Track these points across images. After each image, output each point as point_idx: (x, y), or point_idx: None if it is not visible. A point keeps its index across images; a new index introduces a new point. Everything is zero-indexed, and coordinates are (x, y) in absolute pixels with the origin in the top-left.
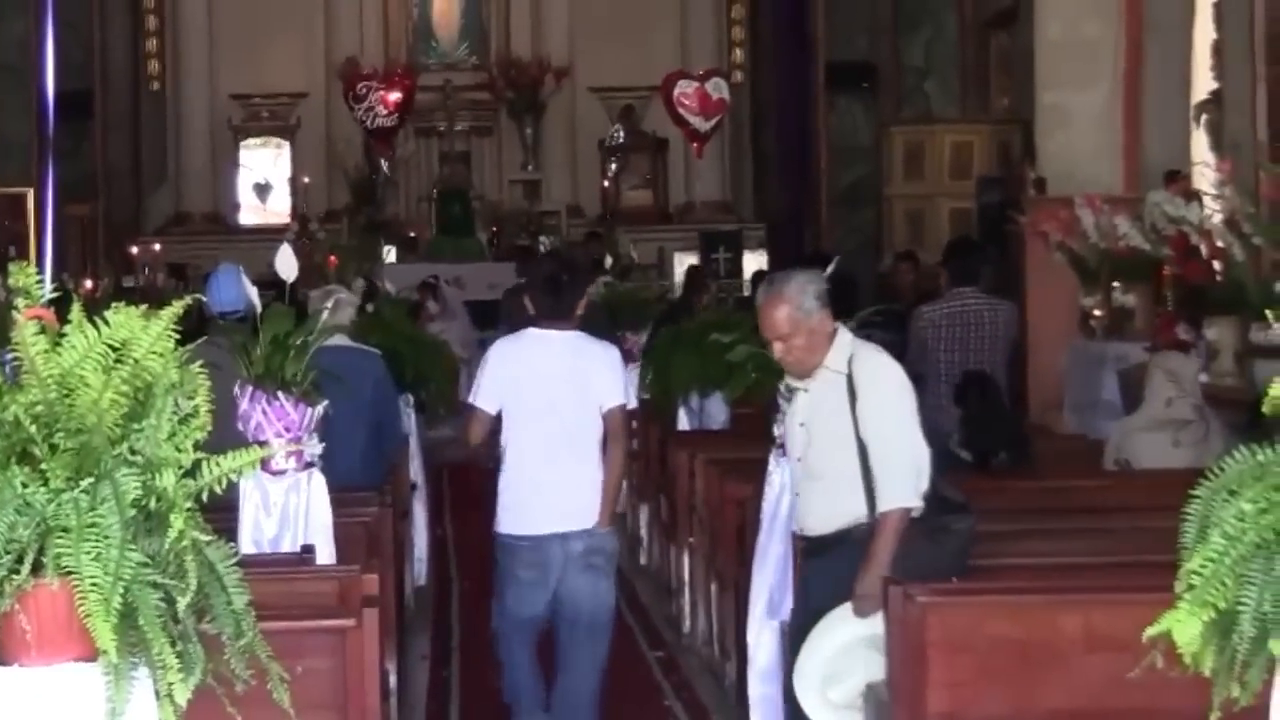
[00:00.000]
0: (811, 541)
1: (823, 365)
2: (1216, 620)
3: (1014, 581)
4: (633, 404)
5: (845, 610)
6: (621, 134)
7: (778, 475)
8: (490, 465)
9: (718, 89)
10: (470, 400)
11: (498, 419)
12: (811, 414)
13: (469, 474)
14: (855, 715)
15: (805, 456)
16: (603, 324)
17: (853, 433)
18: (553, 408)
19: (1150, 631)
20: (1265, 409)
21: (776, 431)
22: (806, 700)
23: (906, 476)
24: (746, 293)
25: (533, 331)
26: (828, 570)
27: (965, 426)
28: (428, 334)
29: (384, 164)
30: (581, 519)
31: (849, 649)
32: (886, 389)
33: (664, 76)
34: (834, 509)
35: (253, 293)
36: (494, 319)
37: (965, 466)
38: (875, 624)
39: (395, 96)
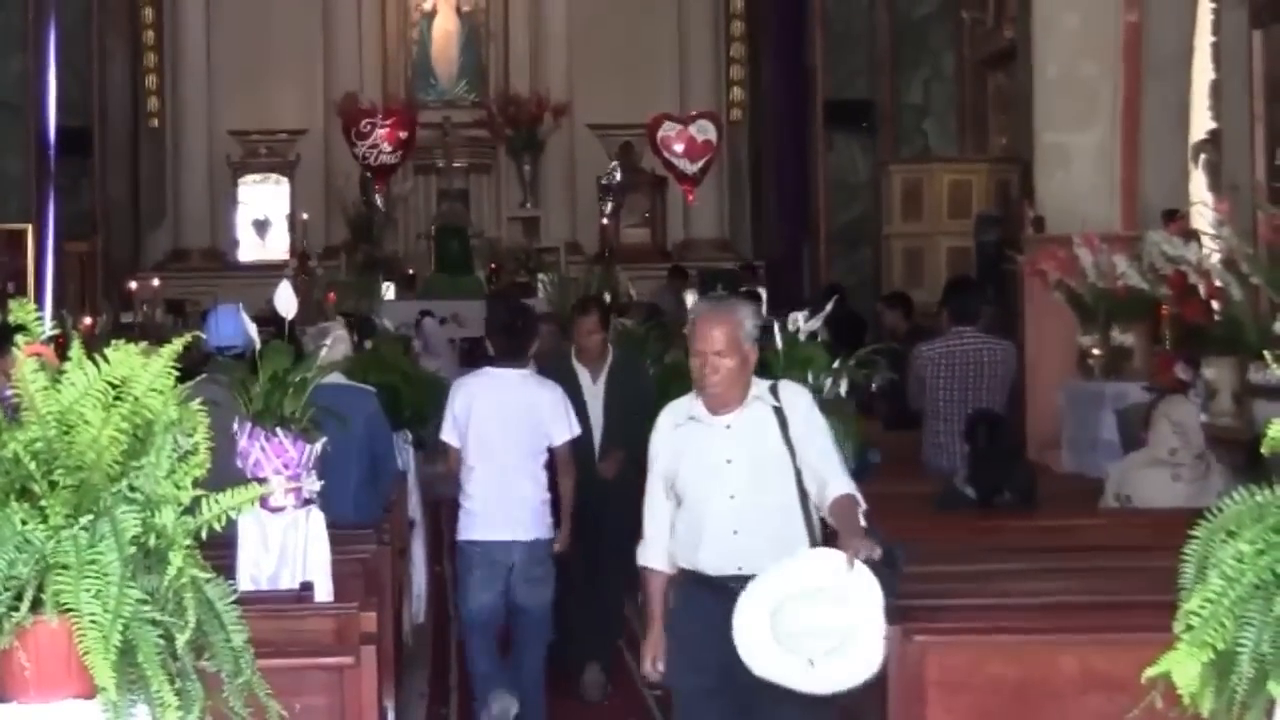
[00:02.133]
0: (743, 581)
1: (752, 396)
2: (1215, 661)
3: (1013, 621)
4: (576, 432)
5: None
6: (618, 172)
7: None
8: None
9: (703, 131)
10: (441, 436)
11: None
12: (741, 448)
13: None
14: (792, 656)
15: (739, 494)
16: (635, 369)
17: (790, 461)
18: (505, 437)
19: (1149, 672)
20: (1264, 449)
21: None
22: (751, 633)
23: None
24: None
25: (490, 370)
26: None
27: (972, 464)
28: (425, 370)
29: (378, 200)
30: (524, 532)
31: (805, 595)
32: (815, 410)
33: (650, 119)
34: (780, 544)
35: (251, 329)
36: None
37: (969, 504)
38: (827, 575)
39: (402, 134)
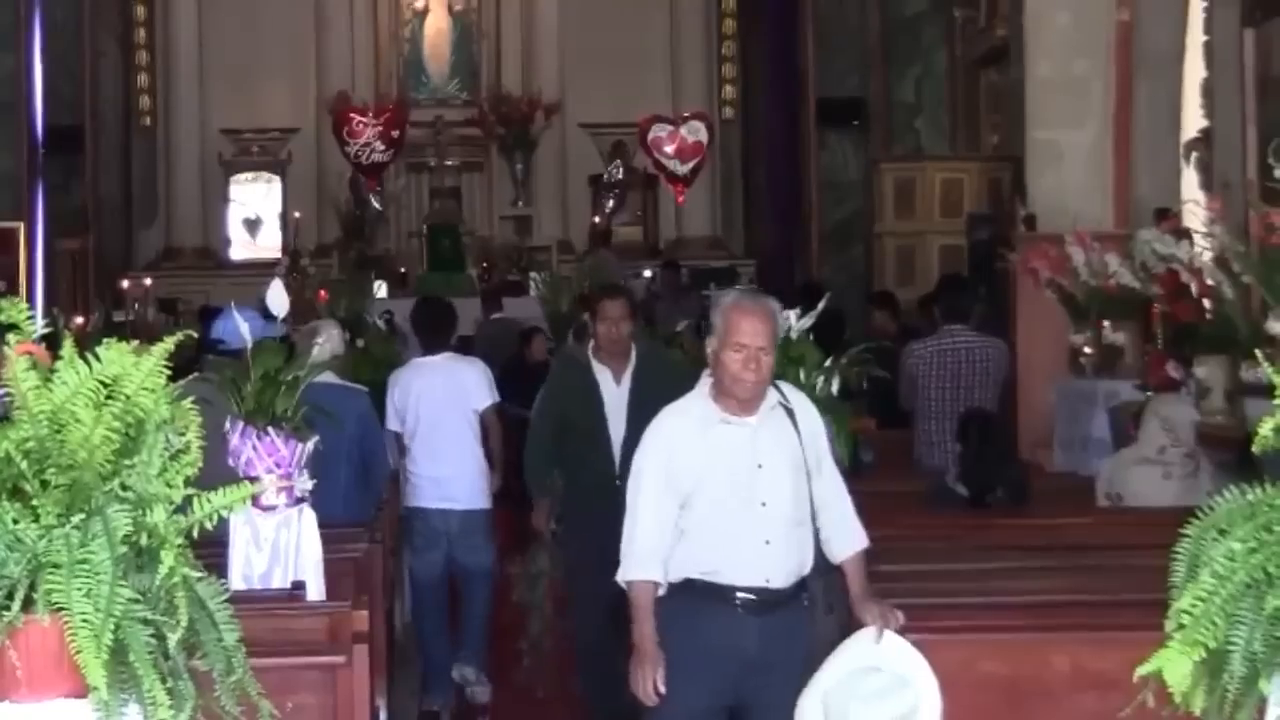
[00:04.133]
0: (771, 596)
1: (768, 396)
2: (1207, 659)
3: (1005, 619)
4: (496, 399)
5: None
6: (620, 170)
7: None
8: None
9: (694, 132)
10: (385, 425)
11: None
12: (770, 452)
13: None
14: None
15: (771, 502)
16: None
17: (804, 468)
18: (435, 414)
19: (1141, 670)
20: (1255, 448)
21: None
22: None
23: None
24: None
25: (417, 360)
26: (782, 630)
27: (964, 463)
28: None
29: (373, 199)
30: (458, 503)
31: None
32: (819, 419)
33: (641, 119)
34: (802, 556)
35: (244, 328)
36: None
37: (960, 502)
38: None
39: (394, 132)
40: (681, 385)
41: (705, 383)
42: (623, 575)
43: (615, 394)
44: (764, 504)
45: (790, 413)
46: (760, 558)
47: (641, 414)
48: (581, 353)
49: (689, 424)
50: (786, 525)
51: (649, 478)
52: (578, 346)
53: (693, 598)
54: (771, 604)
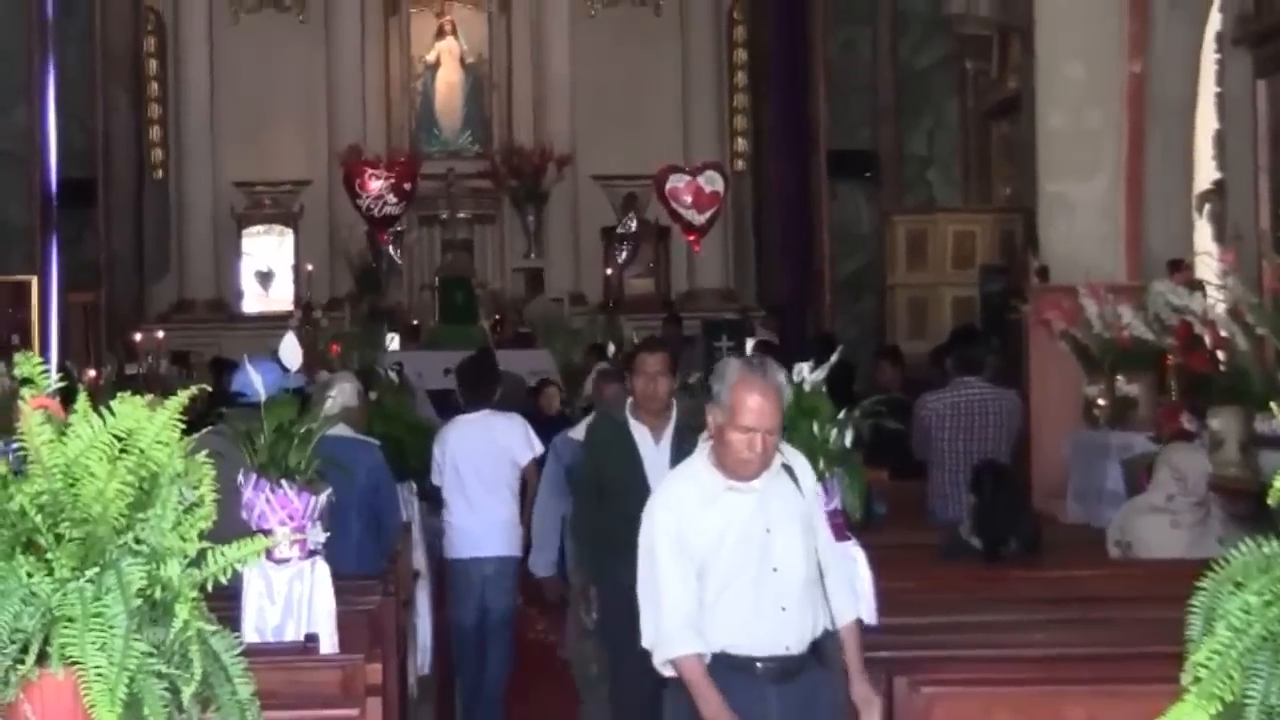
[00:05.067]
0: (788, 663)
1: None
2: (1223, 713)
3: (1019, 672)
4: (539, 451)
5: None
6: (634, 222)
7: None
8: None
9: (711, 182)
10: (431, 479)
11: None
12: (776, 515)
13: None
14: None
15: (782, 567)
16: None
17: (811, 526)
18: (472, 469)
19: None
20: (1270, 500)
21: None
22: None
23: None
24: None
25: (458, 418)
26: (800, 697)
27: (978, 514)
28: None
29: (394, 252)
30: (493, 549)
31: None
32: (814, 478)
33: (657, 169)
34: (816, 616)
35: (257, 381)
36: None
37: (974, 554)
38: None
39: (405, 185)
40: None
41: (705, 449)
42: (663, 656)
43: (655, 454)
44: (775, 569)
45: (791, 472)
46: (778, 626)
47: None
48: (619, 410)
49: (698, 495)
50: (800, 588)
51: (665, 549)
52: (615, 404)
53: (715, 673)
54: (791, 671)
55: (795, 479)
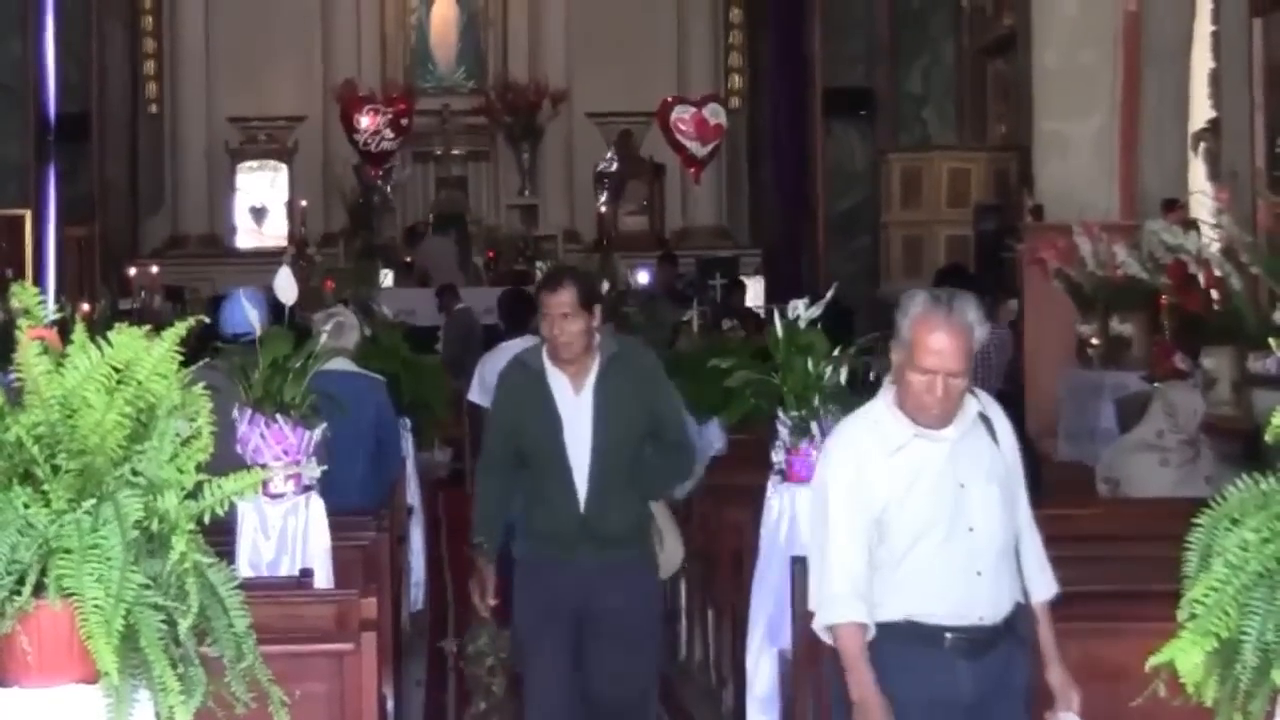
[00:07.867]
0: (984, 634)
1: (966, 406)
2: (1219, 650)
3: None
4: None
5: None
6: (615, 161)
7: (776, 501)
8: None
9: (715, 114)
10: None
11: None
12: (970, 469)
13: (464, 498)
14: None
15: (979, 526)
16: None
17: (1009, 486)
18: None
19: (1153, 661)
20: (1267, 437)
21: (776, 458)
22: None
23: None
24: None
25: (501, 345)
26: (993, 676)
27: None
28: (424, 358)
29: (387, 188)
30: None
31: None
32: (1013, 433)
33: (660, 101)
34: (1013, 587)
35: (254, 316)
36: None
37: None
38: None
39: (404, 120)
40: (662, 394)
41: (889, 391)
42: (822, 621)
43: (573, 406)
44: (971, 529)
45: (989, 423)
46: (972, 592)
47: (608, 435)
48: (535, 355)
49: (879, 443)
50: (996, 552)
51: (838, 499)
52: (533, 349)
53: (896, 645)
54: (984, 644)
55: (993, 432)
